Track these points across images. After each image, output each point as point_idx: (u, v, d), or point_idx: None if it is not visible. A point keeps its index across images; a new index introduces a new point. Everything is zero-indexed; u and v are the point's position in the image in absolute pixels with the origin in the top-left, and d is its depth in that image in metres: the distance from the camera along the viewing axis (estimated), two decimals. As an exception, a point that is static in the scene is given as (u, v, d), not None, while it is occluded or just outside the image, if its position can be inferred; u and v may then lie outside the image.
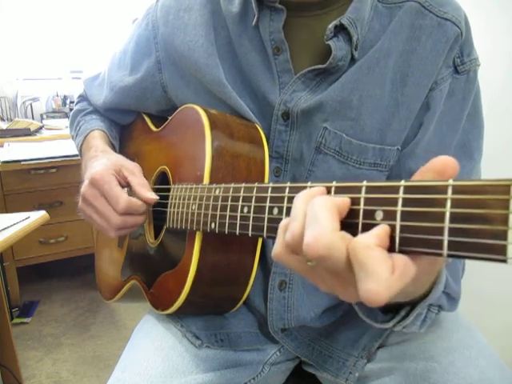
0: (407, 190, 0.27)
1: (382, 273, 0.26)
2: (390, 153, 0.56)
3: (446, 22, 0.54)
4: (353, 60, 0.55)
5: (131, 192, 0.60)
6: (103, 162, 0.62)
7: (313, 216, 0.29)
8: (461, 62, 0.56)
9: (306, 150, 0.57)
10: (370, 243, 0.27)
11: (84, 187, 0.60)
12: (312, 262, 0.31)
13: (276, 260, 0.33)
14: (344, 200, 0.30)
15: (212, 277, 0.55)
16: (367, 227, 0.29)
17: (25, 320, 1.91)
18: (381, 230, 0.28)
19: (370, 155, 0.55)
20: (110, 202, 0.58)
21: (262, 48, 0.57)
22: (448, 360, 0.51)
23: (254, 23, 0.57)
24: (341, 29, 0.53)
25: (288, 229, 0.31)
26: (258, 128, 0.58)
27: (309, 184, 0.35)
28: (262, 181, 0.56)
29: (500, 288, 1.18)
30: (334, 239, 0.27)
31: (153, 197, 0.59)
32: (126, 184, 0.61)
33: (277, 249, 0.33)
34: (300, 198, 0.32)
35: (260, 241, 0.57)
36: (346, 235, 0.28)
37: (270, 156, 0.57)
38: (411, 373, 0.52)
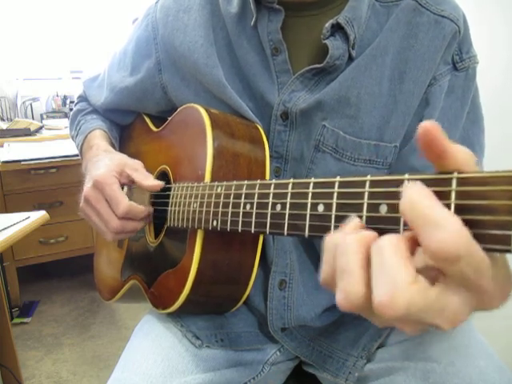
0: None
1: (454, 223, 0.23)
2: (386, 149, 0.56)
3: (444, 20, 0.54)
4: (350, 59, 0.55)
5: (131, 193, 0.60)
6: (106, 162, 0.62)
7: (380, 265, 0.25)
8: (460, 59, 0.56)
9: (306, 149, 0.57)
10: (432, 203, 0.25)
11: (86, 189, 0.60)
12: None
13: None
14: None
15: (213, 275, 0.55)
16: (371, 221, 0.29)
17: (25, 320, 1.91)
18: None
19: (365, 151, 0.55)
20: (110, 204, 0.58)
21: (261, 48, 0.57)
22: (448, 360, 0.51)
23: (252, 24, 0.57)
24: (338, 28, 0.53)
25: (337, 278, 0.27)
26: (259, 128, 0.58)
27: (312, 180, 0.35)
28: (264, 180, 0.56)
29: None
30: (413, 295, 0.24)
31: (159, 183, 0.60)
32: (129, 182, 0.61)
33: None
34: (355, 236, 0.27)
35: (261, 240, 0.57)
36: (421, 285, 0.24)
37: (269, 156, 0.57)
38: (411, 373, 0.52)
